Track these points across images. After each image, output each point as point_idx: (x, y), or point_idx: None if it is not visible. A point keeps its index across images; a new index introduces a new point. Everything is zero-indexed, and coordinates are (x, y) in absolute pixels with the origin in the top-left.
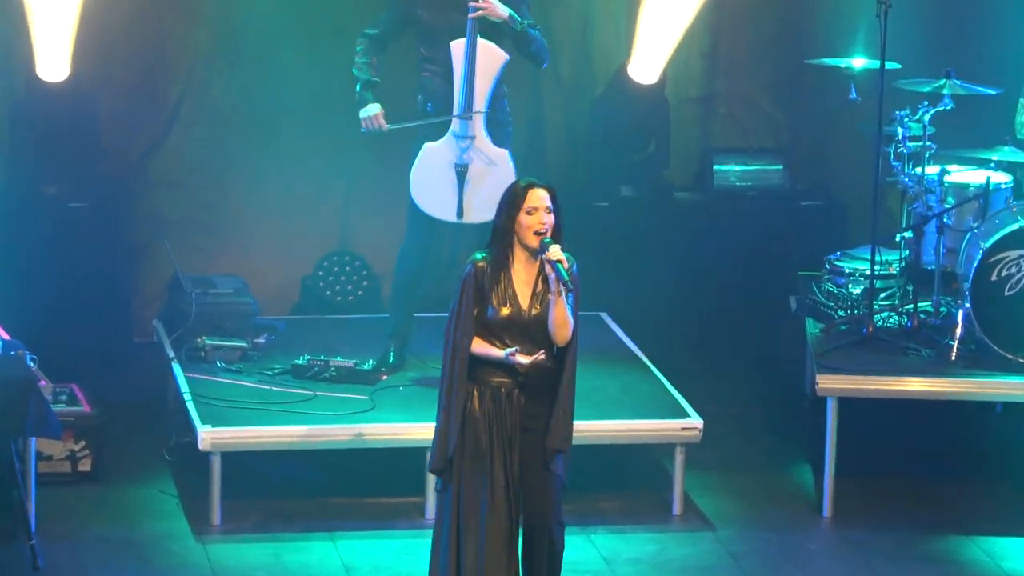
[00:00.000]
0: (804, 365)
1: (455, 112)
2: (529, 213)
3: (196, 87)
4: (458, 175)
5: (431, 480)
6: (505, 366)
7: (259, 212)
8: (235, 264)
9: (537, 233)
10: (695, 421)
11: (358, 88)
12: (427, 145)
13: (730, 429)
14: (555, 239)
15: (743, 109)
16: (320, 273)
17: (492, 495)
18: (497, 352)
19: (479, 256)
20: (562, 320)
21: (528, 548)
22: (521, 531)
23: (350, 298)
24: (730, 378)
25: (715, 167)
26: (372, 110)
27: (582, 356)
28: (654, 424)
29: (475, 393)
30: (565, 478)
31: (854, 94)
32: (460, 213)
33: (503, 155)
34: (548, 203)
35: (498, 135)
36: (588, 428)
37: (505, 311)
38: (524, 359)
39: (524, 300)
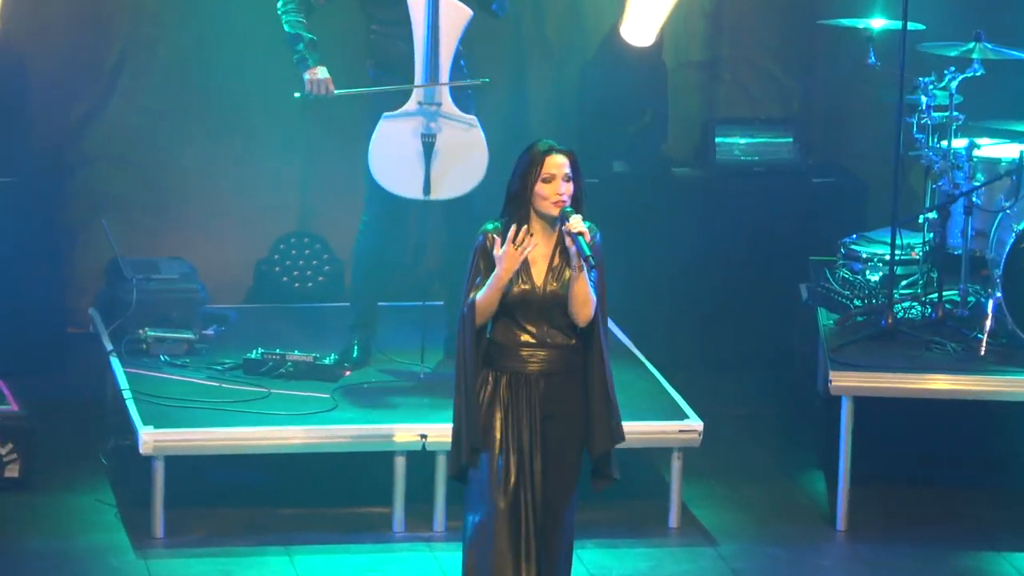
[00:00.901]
0: (816, 361)
1: (419, 79)
2: (546, 181)
3: (140, 46)
4: (425, 146)
5: (399, 489)
6: (519, 349)
7: (209, 189)
8: (181, 247)
9: (557, 204)
10: (694, 423)
11: (300, 47)
12: (385, 116)
13: (733, 432)
14: (576, 209)
15: (749, 75)
16: (276, 257)
17: (504, 491)
18: (496, 280)
19: (490, 226)
20: (584, 297)
21: (539, 546)
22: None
23: (309, 284)
24: (733, 375)
25: (718, 140)
26: (322, 72)
27: None
28: (649, 426)
29: (490, 379)
30: (616, 472)
31: (873, 58)
32: (427, 189)
33: (472, 121)
34: (567, 170)
35: (461, 99)
36: None
37: (519, 287)
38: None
39: (539, 275)
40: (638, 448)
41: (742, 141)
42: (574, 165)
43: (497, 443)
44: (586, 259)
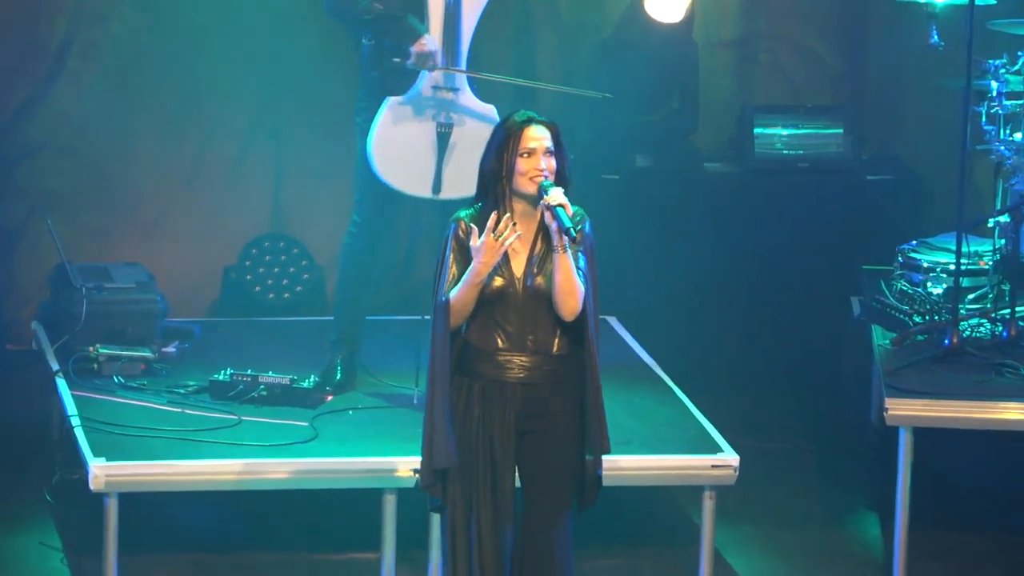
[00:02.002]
0: (869, 386)
1: (441, 62)
2: (525, 156)
3: (89, 22)
4: (440, 138)
5: (389, 531)
6: (496, 354)
7: (168, 184)
8: (137, 251)
9: (534, 180)
10: (729, 457)
11: (401, 19)
12: (391, 100)
13: (773, 468)
14: (559, 183)
15: (791, 56)
16: (247, 263)
17: (481, 513)
18: (474, 276)
19: (463, 212)
20: (569, 286)
21: None
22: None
23: (286, 295)
24: (773, 402)
25: (756, 131)
26: (432, 44)
27: None
28: (676, 460)
29: (463, 388)
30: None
31: (936, 38)
32: (438, 187)
33: (492, 113)
34: (549, 143)
35: (478, 85)
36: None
37: (496, 281)
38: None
39: (520, 266)
40: (664, 486)
41: (784, 132)
42: (556, 138)
43: (465, 463)
44: (567, 232)
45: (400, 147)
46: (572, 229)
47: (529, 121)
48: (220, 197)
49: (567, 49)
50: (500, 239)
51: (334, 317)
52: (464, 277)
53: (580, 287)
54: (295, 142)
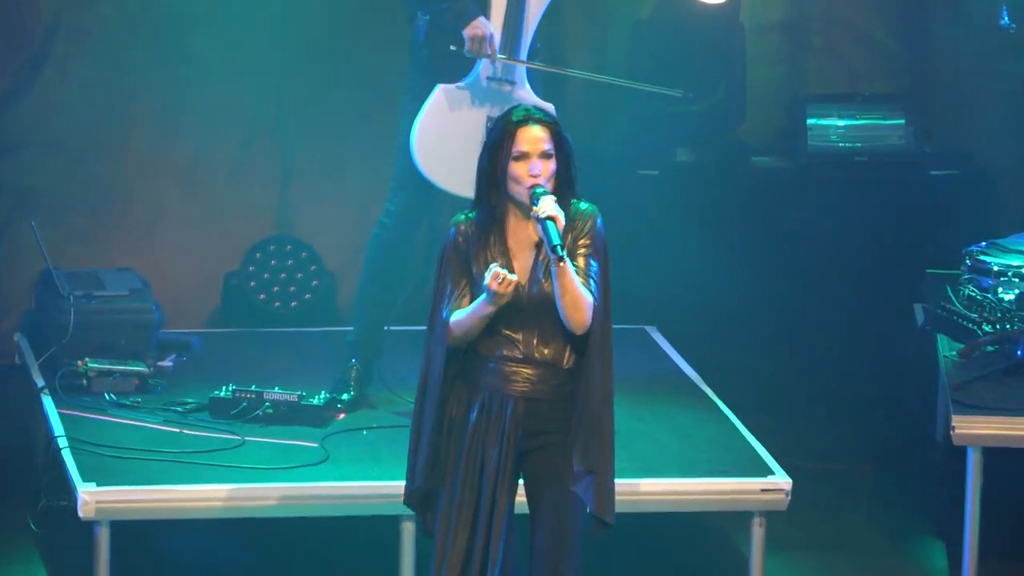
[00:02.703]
0: (934, 401)
1: (506, 51)
2: (518, 159)
3: (74, 4)
4: None
5: (407, 562)
6: (500, 364)
7: (164, 183)
8: (131, 256)
9: (528, 187)
10: (780, 480)
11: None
12: (443, 88)
13: (829, 492)
14: (561, 194)
15: (848, 40)
16: (250, 269)
17: (472, 540)
18: (482, 310)
19: (462, 217)
20: (573, 299)
21: None
22: None
23: (293, 304)
24: (829, 419)
25: (809, 121)
26: (487, 28)
27: (620, 384)
28: (722, 484)
29: (463, 398)
30: (595, 509)
31: (1007, 19)
32: None
33: (550, 110)
34: (546, 146)
35: (538, 81)
36: (626, 489)
37: None
38: (501, 282)
39: (523, 271)
40: (709, 512)
41: (840, 123)
42: (557, 138)
43: (452, 482)
44: (552, 249)
45: (445, 140)
46: (559, 247)
47: (525, 120)
48: (221, 196)
49: (597, 31)
50: (502, 285)
51: (354, 315)
52: (473, 307)
53: (586, 298)
54: (303, 136)
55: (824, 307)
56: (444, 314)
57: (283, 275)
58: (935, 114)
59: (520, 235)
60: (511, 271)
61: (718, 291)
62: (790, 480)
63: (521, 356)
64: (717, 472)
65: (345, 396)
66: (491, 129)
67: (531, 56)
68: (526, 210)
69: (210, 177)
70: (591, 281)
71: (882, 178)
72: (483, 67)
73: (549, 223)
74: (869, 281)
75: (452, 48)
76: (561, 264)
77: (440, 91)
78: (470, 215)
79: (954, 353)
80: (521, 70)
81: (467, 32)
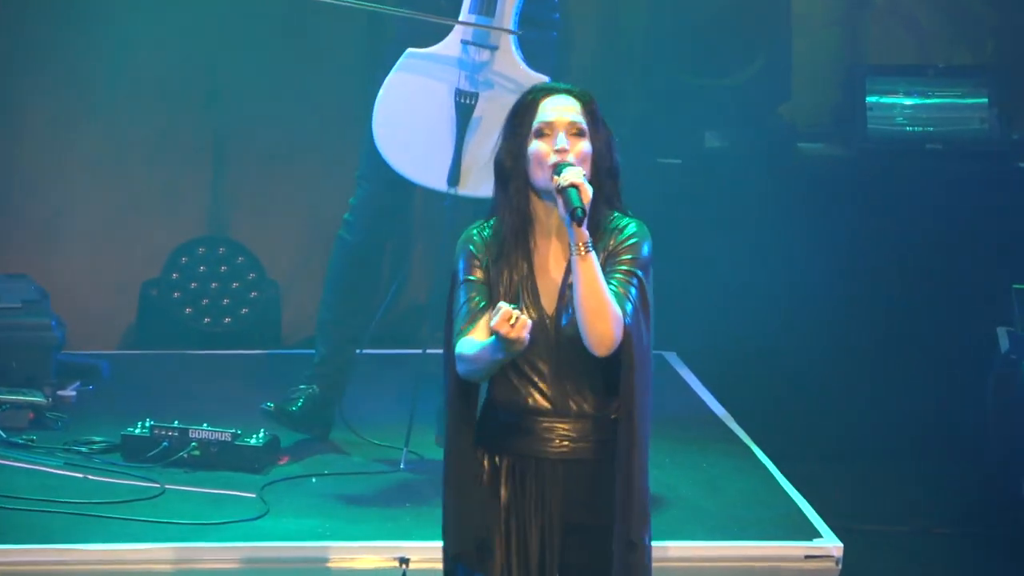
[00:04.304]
0: (1020, 448)
1: (471, 7)
2: (540, 135)
3: None
4: (459, 111)
5: None
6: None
7: (67, 173)
8: (26, 261)
9: (553, 166)
10: (829, 544)
11: None
12: (410, 53)
13: (890, 559)
14: (605, 188)
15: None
16: (174, 276)
17: None
18: (491, 355)
19: (474, 231)
20: (595, 301)
21: None
22: None
23: (227, 319)
24: (890, 471)
25: (869, 99)
26: None
27: None
28: (761, 549)
29: (486, 463)
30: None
31: None
32: (455, 178)
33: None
34: (575, 117)
35: (535, 44)
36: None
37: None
38: (514, 325)
39: (550, 299)
40: None
41: (907, 102)
42: (590, 113)
43: (494, 568)
44: (572, 212)
45: (409, 120)
46: (580, 208)
47: (548, 90)
48: (136, 189)
49: None
50: (516, 333)
51: (316, 336)
52: (483, 347)
53: (613, 308)
54: (237, 116)
55: (885, 330)
56: (455, 337)
57: (214, 285)
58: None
59: (547, 249)
60: (537, 298)
61: (752, 308)
62: (841, 544)
63: (553, 409)
64: (753, 534)
65: (292, 408)
66: (508, 114)
67: (518, 25)
68: (556, 204)
69: (123, 166)
70: (627, 304)
71: (959, 169)
72: (455, 31)
73: (571, 190)
74: (941, 298)
75: None
76: (583, 248)
77: (407, 57)
78: (486, 227)
79: None
80: (505, 34)
81: None
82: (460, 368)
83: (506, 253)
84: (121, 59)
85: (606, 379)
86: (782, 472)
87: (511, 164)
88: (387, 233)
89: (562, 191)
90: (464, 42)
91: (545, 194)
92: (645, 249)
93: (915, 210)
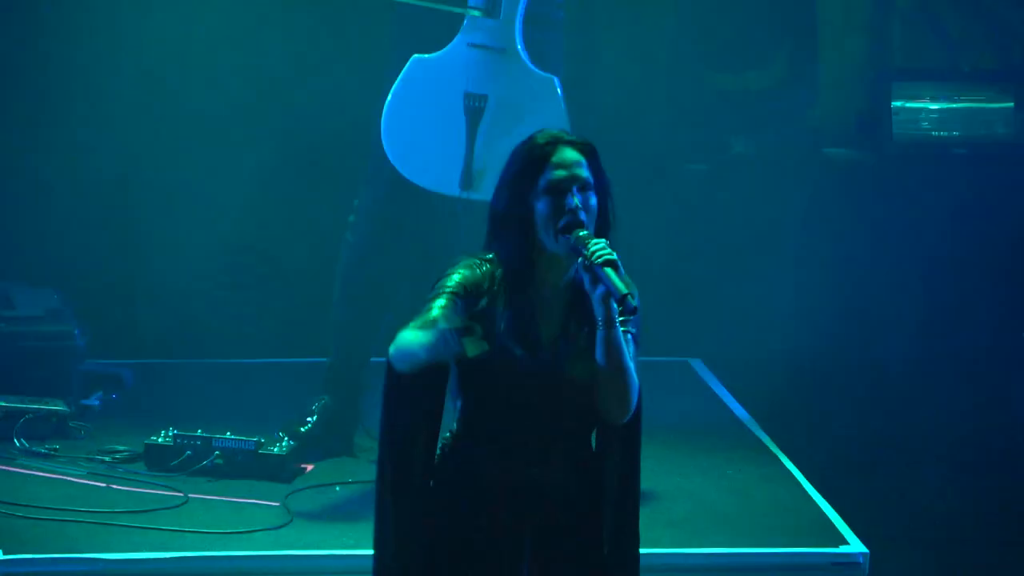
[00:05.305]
0: None
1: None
2: (550, 191)
3: None
4: (469, 114)
5: None
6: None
7: (89, 176)
8: (47, 268)
9: (565, 228)
10: (855, 551)
11: None
12: (416, 60)
13: (917, 565)
14: (600, 236)
15: (945, 1)
16: (200, 285)
17: None
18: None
19: (456, 279)
20: (620, 378)
21: None
22: None
23: (251, 329)
24: (917, 476)
25: (895, 104)
26: None
27: (657, 430)
28: (784, 555)
29: (457, 496)
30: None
31: None
32: (467, 181)
33: (551, 84)
34: (583, 172)
35: (541, 44)
36: (668, 561)
37: (514, 361)
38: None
39: (547, 346)
40: None
41: (934, 107)
42: (594, 166)
43: None
44: (621, 300)
45: (419, 126)
46: (630, 296)
47: (555, 143)
48: (157, 197)
49: None
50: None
51: (328, 341)
52: (418, 342)
53: (634, 378)
54: (256, 123)
55: (912, 336)
56: (411, 323)
57: (239, 293)
58: None
59: (543, 297)
60: (534, 340)
61: (780, 315)
62: (867, 551)
63: (535, 454)
64: (778, 541)
65: (302, 429)
66: (508, 163)
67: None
68: (559, 258)
69: (147, 173)
70: (630, 358)
71: (986, 175)
72: (461, 34)
73: (608, 270)
74: (968, 303)
75: None
76: (610, 323)
77: (414, 63)
78: (484, 263)
79: None
80: (513, 34)
81: None
82: (392, 347)
83: (502, 298)
84: (136, 66)
85: (589, 427)
86: (807, 479)
87: (514, 214)
88: (391, 239)
89: (595, 269)
90: (470, 45)
91: (547, 245)
92: (637, 299)
93: (942, 215)
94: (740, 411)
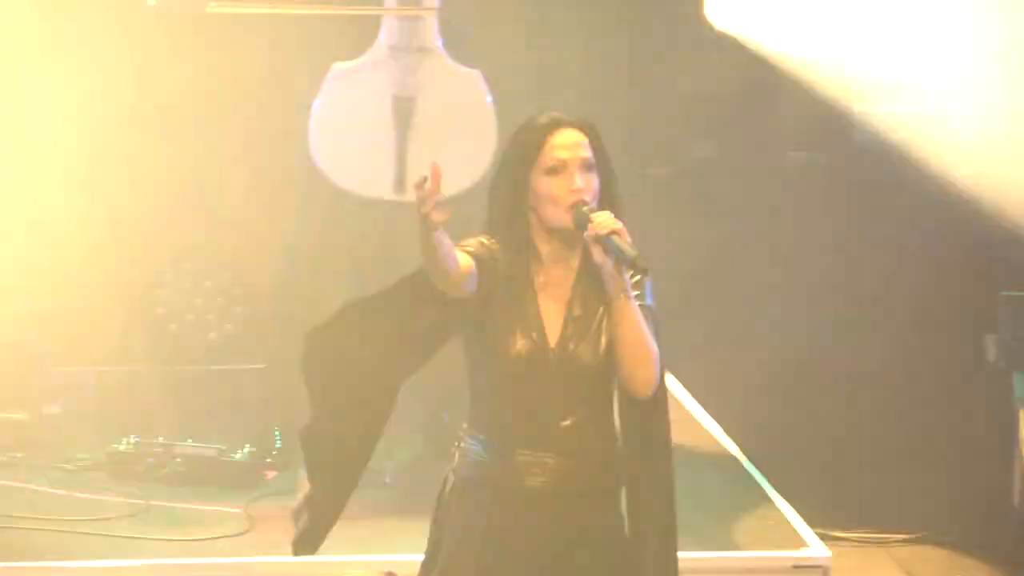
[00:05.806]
0: (1010, 457)
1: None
2: (552, 173)
3: None
4: (398, 115)
5: None
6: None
7: (53, 188)
8: (12, 277)
9: (571, 207)
10: (817, 555)
11: None
12: (337, 67)
13: (878, 567)
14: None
15: None
16: (159, 292)
17: None
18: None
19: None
20: (639, 346)
21: None
22: None
23: (212, 335)
24: (879, 480)
25: (857, 108)
26: None
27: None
28: (746, 559)
29: (465, 497)
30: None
31: None
32: (399, 184)
33: (474, 78)
34: (584, 152)
35: (457, 41)
36: None
37: (518, 344)
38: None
39: (554, 327)
40: None
41: (896, 110)
42: (596, 145)
43: None
44: (631, 263)
45: (346, 131)
46: (639, 257)
47: (555, 124)
48: (120, 204)
49: None
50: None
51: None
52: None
53: (654, 347)
54: (218, 136)
55: (873, 338)
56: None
57: (199, 300)
58: None
59: (551, 283)
60: (539, 326)
61: (744, 323)
62: (829, 554)
63: (543, 441)
64: (740, 544)
65: (272, 450)
66: (507, 146)
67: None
68: (563, 238)
69: (109, 180)
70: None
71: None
72: (382, 37)
73: (612, 238)
74: (929, 306)
75: None
76: (624, 294)
77: (335, 72)
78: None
79: None
80: (430, 31)
81: None
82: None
83: (507, 280)
84: (103, 79)
85: (603, 416)
86: (769, 482)
87: (516, 200)
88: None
89: (602, 240)
90: (391, 47)
91: (554, 229)
92: (648, 295)
93: (902, 214)
94: (703, 416)
